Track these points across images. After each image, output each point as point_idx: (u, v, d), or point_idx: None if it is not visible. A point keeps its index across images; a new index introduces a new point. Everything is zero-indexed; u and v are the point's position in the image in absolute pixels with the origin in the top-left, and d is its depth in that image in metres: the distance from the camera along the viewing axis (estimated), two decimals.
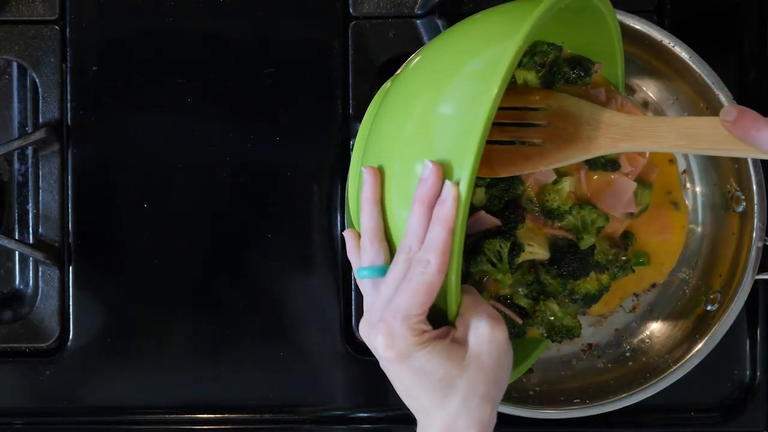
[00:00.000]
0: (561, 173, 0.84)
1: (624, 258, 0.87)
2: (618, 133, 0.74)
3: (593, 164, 0.82)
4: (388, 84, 0.79)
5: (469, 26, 0.74)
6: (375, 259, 0.70)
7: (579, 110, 0.77)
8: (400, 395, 0.71)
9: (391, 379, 0.70)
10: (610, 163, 0.82)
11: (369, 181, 0.70)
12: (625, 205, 0.83)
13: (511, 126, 0.78)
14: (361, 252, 0.71)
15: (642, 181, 0.84)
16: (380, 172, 0.71)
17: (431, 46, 0.76)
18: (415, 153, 0.68)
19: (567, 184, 0.81)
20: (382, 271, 0.70)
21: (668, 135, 0.72)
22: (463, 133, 0.66)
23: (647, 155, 0.84)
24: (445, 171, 0.66)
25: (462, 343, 0.68)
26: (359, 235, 0.73)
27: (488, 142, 0.72)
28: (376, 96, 0.80)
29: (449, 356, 0.68)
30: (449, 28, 0.77)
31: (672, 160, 0.88)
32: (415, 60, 0.75)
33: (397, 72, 0.78)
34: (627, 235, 0.88)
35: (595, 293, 0.83)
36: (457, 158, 0.66)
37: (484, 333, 0.68)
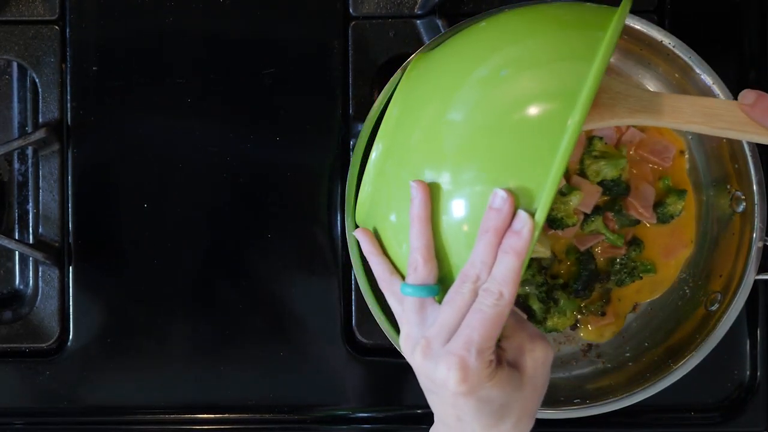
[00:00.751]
0: (571, 188, 0.84)
1: (633, 264, 0.88)
2: (636, 104, 0.72)
3: (607, 190, 0.86)
4: (414, 66, 0.75)
5: (530, 29, 0.71)
6: (427, 278, 0.68)
7: (608, 84, 0.75)
8: (443, 419, 0.70)
9: (443, 406, 0.69)
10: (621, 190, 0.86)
11: (419, 197, 0.68)
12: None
13: None
14: (409, 268, 0.69)
15: (674, 188, 0.88)
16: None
17: (483, 42, 0.72)
18: (476, 175, 0.66)
19: (575, 200, 0.83)
20: (433, 291, 0.69)
21: (686, 110, 0.72)
22: (540, 160, 0.64)
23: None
24: (516, 197, 0.65)
25: (516, 367, 0.68)
26: (373, 235, 0.73)
27: None
28: (402, 80, 0.75)
29: (510, 383, 0.67)
30: (493, 18, 0.74)
31: (683, 151, 0.89)
32: (464, 53, 0.72)
33: (428, 52, 0.74)
34: (637, 241, 0.88)
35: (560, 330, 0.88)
36: (533, 185, 0.65)
37: (539, 357, 0.69)
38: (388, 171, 0.71)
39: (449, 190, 0.67)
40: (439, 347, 0.67)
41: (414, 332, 0.70)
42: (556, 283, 0.88)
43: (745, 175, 0.85)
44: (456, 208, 0.67)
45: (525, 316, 0.70)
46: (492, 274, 0.66)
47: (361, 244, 0.73)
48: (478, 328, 0.65)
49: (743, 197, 0.86)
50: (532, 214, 0.65)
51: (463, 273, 0.67)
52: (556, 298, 0.87)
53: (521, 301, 0.87)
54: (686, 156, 0.90)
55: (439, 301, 0.69)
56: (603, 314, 0.89)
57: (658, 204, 0.88)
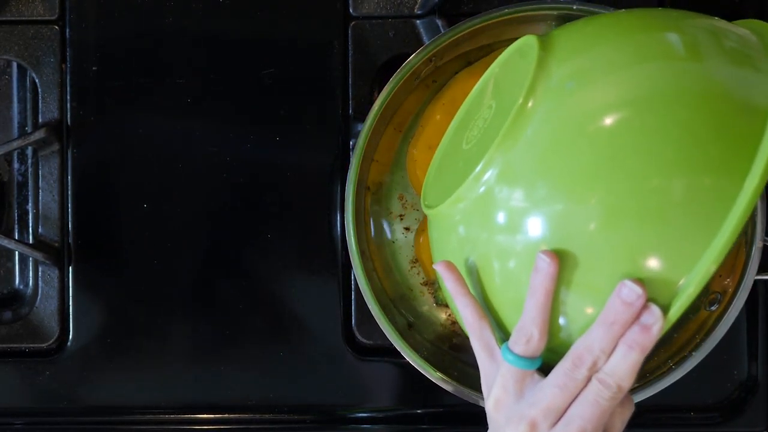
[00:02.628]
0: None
1: None
2: None
3: None
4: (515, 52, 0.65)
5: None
6: (536, 352, 0.64)
7: None
8: None
9: None
10: None
11: (549, 271, 0.61)
12: None
13: None
14: (519, 335, 0.64)
15: None
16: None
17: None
18: (609, 257, 0.59)
19: None
20: (537, 364, 0.65)
21: None
22: (689, 250, 0.57)
23: None
24: (649, 283, 0.58)
25: (606, 428, 0.66)
26: (459, 273, 0.67)
27: None
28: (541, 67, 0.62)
29: None
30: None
31: None
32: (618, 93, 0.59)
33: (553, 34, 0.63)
34: None
35: None
36: (672, 276, 0.58)
37: (627, 418, 0.67)
38: (497, 189, 0.62)
39: (577, 264, 0.60)
40: (545, 431, 0.64)
41: (509, 402, 0.66)
42: None
43: None
44: (581, 286, 0.61)
45: None
46: (610, 366, 0.61)
47: (445, 281, 0.67)
48: (592, 420, 0.63)
49: None
50: (666, 309, 0.59)
51: (578, 356, 0.62)
52: None
53: None
54: None
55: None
56: None
57: None
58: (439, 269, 0.68)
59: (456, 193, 0.65)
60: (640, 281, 0.59)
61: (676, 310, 0.59)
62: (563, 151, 0.60)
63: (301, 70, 0.89)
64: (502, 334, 0.68)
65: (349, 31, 0.89)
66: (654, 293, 0.59)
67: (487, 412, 0.67)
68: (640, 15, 0.66)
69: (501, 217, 0.62)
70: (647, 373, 0.86)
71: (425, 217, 0.85)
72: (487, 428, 0.69)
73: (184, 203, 0.89)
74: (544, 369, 0.65)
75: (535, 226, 0.61)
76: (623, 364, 0.61)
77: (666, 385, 0.85)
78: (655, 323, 0.60)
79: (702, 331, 0.86)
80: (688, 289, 0.58)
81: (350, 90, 0.89)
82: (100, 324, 0.89)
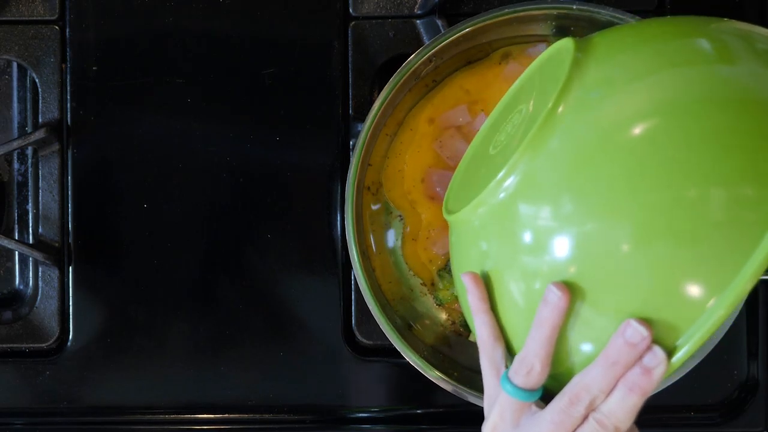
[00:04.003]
0: None
1: None
2: None
3: None
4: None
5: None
6: (537, 385, 0.63)
7: None
8: None
9: None
10: None
11: (559, 306, 0.59)
12: None
13: None
14: (520, 366, 0.62)
15: None
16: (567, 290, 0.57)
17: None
18: (627, 286, 0.55)
19: None
20: (535, 396, 0.63)
21: None
22: (722, 277, 0.53)
23: None
24: (657, 327, 0.55)
25: None
26: (484, 288, 0.64)
27: None
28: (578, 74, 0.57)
29: None
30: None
31: None
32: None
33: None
34: None
35: None
36: (678, 320, 0.55)
37: None
38: (518, 197, 0.58)
39: (589, 295, 0.57)
40: None
41: (505, 430, 0.65)
42: None
43: None
44: (584, 324, 0.58)
45: None
46: (609, 407, 0.60)
47: (468, 294, 0.65)
48: None
49: None
50: (670, 353, 0.56)
51: (575, 394, 0.60)
52: None
53: None
54: None
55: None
56: None
57: None
58: (466, 281, 0.65)
59: (477, 199, 0.61)
60: (646, 322, 0.57)
61: (682, 356, 0.56)
62: (592, 163, 0.56)
63: (301, 70, 0.89)
64: (509, 350, 0.66)
65: (349, 31, 0.89)
66: (661, 334, 0.56)
67: None
68: (675, 22, 0.64)
69: (518, 230, 0.59)
70: None
71: (412, 225, 0.85)
72: None
73: (184, 203, 0.89)
74: (546, 397, 0.64)
75: (552, 243, 0.57)
76: (622, 406, 0.60)
77: (666, 385, 0.85)
78: (658, 366, 0.58)
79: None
80: (696, 334, 0.55)
81: (350, 90, 0.89)
82: (100, 324, 0.89)
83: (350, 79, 0.89)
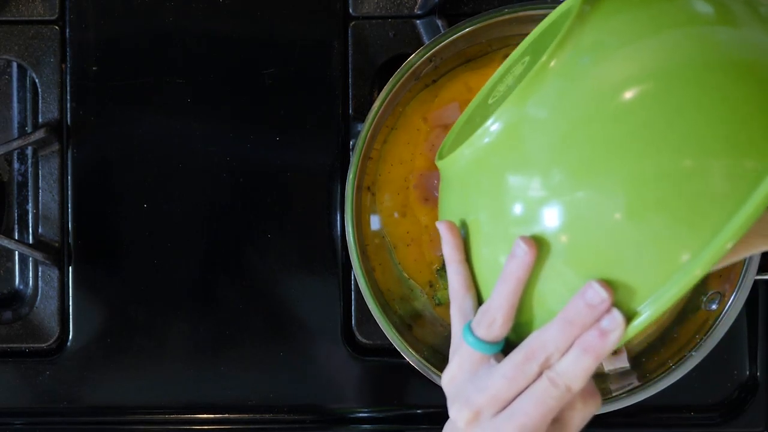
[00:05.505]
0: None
1: None
2: None
3: None
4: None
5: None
6: (498, 338, 0.63)
7: None
8: None
9: None
10: None
11: (525, 260, 0.59)
12: None
13: None
14: (483, 318, 0.62)
15: None
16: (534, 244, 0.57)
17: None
18: (596, 249, 0.55)
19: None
20: (496, 349, 0.63)
21: None
22: (669, 259, 0.53)
23: None
24: (616, 291, 0.55)
25: (561, 421, 0.63)
26: (460, 236, 0.64)
27: None
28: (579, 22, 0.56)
29: None
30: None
31: None
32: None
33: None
34: None
35: None
36: (643, 287, 0.54)
37: (588, 416, 0.64)
38: (501, 144, 0.58)
39: (559, 253, 0.57)
40: (487, 419, 0.63)
41: (461, 380, 0.65)
42: None
43: None
44: (550, 281, 0.58)
45: None
46: (562, 366, 0.59)
47: (443, 243, 0.65)
48: (535, 417, 0.60)
49: None
50: (629, 317, 0.56)
51: (530, 350, 0.60)
52: None
53: None
54: None
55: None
56: (614, 352, 0.88)
57: None
58: (441, 230, 0.65)
59: (464, 143, 0.60)
60: (610, 285, 0.56)
61: (641, 323, 0.55)
62: (576, 119, 0.55)
63: (301, 70, 0.89)
64: (481, 302, 0.66)
65: (349, 31, 0.89)
66: (625, 299, 0.56)
67: (442, 382, 0.67)
68: None
69: (496, 178, 0.58)
70: (647, 372, 0.86)
71: (408, 230, 0.85)
72: None
73: (184, 203, 0.89)
74: (509, 351, 0.63)
75: (528, 197, 0.57)
76: (575, 367, 0.59)
77: (666, 385, 0.85)
78: (614, 330, 0.57)
79: (702, 331, 0.86)
80: (657, 302, 0.54)
81: (350, 90, 0.89)
82: (100, 324, 0.89)
83: (350, 79, 0.89)
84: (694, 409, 0.91)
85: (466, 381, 0.64)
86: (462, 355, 0.65)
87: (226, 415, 0.90)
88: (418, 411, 0.90)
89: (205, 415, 0.90)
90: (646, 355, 0.89)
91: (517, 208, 0.58)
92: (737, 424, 0.91)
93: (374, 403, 0.91)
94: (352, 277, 0.89)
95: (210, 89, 0.89)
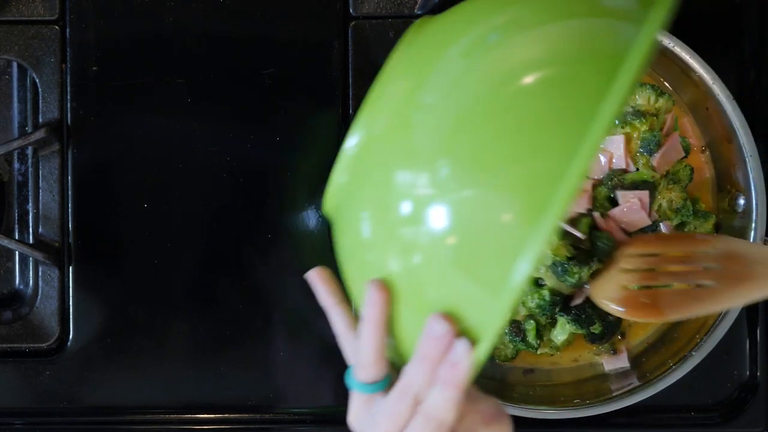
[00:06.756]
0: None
1: None
2: None
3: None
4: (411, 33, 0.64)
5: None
6: (375, 377, 0.64)
7: (747, 250, 0.76)
8: None
9: None
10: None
11: (378, 304, 0.61)
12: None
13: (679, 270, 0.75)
14: (359, 365, 0.65)
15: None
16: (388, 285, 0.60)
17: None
18: (431, 292, 0.58)
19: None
20: (380, 387, 0.65)
21: None
22: (494, 285, 0.55)
23: None
24: (458, 320, 0.57)
25: None
26: (331, 280, 0.68)
27: (655, 286, 0.68)
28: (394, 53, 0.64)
29: None
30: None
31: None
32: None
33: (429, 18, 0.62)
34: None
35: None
36: (481, 314, 0.56)
37: None
38: (365, 163, 0.64)
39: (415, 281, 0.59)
40: None
41: (362, 419, 0.66)
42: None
43: (744, 175, 0.85)
44: (409, 316, 0.60)
45: (479, 393, 0.64)
46: (430, 402, 0.61)
47: (315, 293, 0.68)
48: None
49: (743, 197, 0.86)
50: (475, 342, 0.57)
51: (402, 387, 0.62)
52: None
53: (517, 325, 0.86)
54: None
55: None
56: (614, 352, 0.88)
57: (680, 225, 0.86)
58: (309, 280, 0.68)
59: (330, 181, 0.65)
60: (449, 315, 0.58)
61: (484, 349, 0.57)
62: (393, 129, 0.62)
63: (301, 70, 0.89)
64: None
65: (349, 31, 0.89)
66: (471, 326, 0.57)
67: (348, 421, 0.68)
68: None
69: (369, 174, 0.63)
70: (647, 372, 0.86)
71: None
72: None
73: (184, 203, 0.89)
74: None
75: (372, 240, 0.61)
76: (441, 401, 0.60)
77: (666, 385, 0.85)
78: (462, 360, 0.58)
79: (702, 331, 0.86)
80: (490, 330, 0.56)
81: (350, 90, 0.89)
82: (100, 324, 0.89)
83: (350, 79, 0.89)
84: (694, 409, 0.91)
85: (366, 419, 0.66)
86: (354, 396, 0.66)
87: (226, 415, 0.90)
88: None
89: (205, 415, 0.90)
90: (646, 355, 0.89)
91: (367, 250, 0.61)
92: (737, 424, 0.91)
93: None
94: None
95: (210, 89, 0.89)
